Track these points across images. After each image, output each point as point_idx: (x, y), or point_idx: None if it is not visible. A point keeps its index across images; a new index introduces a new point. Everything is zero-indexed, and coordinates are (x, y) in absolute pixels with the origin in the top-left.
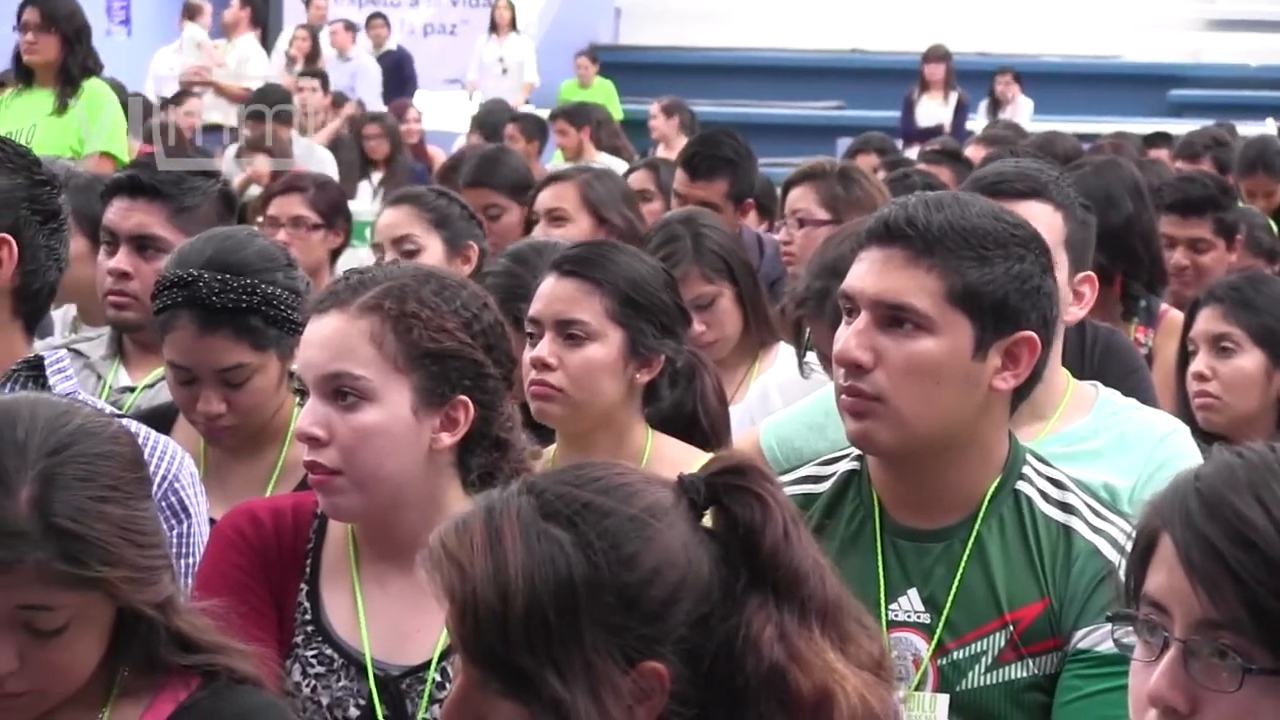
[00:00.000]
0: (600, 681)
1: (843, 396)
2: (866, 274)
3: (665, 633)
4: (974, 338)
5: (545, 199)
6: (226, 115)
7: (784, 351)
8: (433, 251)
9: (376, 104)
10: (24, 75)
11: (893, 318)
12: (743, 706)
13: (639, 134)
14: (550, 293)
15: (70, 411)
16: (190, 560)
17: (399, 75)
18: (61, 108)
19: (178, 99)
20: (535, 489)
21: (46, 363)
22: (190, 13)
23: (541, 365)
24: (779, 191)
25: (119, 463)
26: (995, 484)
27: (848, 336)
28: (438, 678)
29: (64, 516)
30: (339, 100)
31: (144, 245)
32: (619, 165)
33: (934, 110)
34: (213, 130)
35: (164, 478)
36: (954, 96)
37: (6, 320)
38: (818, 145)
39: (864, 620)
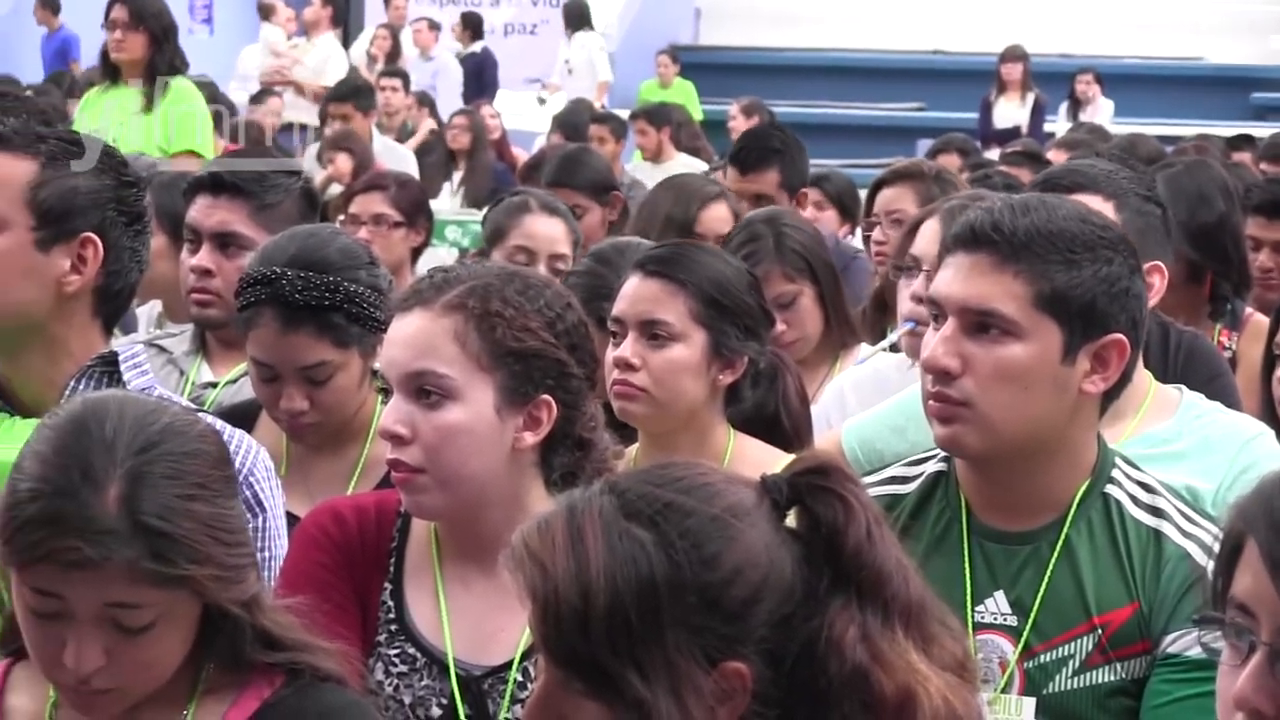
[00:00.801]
0: (682, 681)
1: (930, 402)
2: (953, 280)
3: (747, 633)
4: (1063, 342)
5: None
6: (307, 114)
7: (865, 352)
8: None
9: (457, 104)
10: (111, 73)
11: (980, 323)
12: (825, 708)
13: (718, 134)
14: (634, 293)
15: (158, 410)
16: (266, 555)
17: (479, 79)
18: (148, 105)
19: (259, 98)
20: (617, 488)
21: (121, 358)
22: (265, 12)
23: (625, 365)
24: (861, 192)
25: (206, 461)
26: (1084, 487)
27: (935, 343)
28: (519, 678)
29: (152, 515)
30: (425, 100)
31: (226, 243)
32: (698, 166)
33: (1011, 111)
34: (294, 129)
35: (239, 472)
36: (1031, 97)
37: (87, 319)
38: (897, 146)
39: (948, 621)
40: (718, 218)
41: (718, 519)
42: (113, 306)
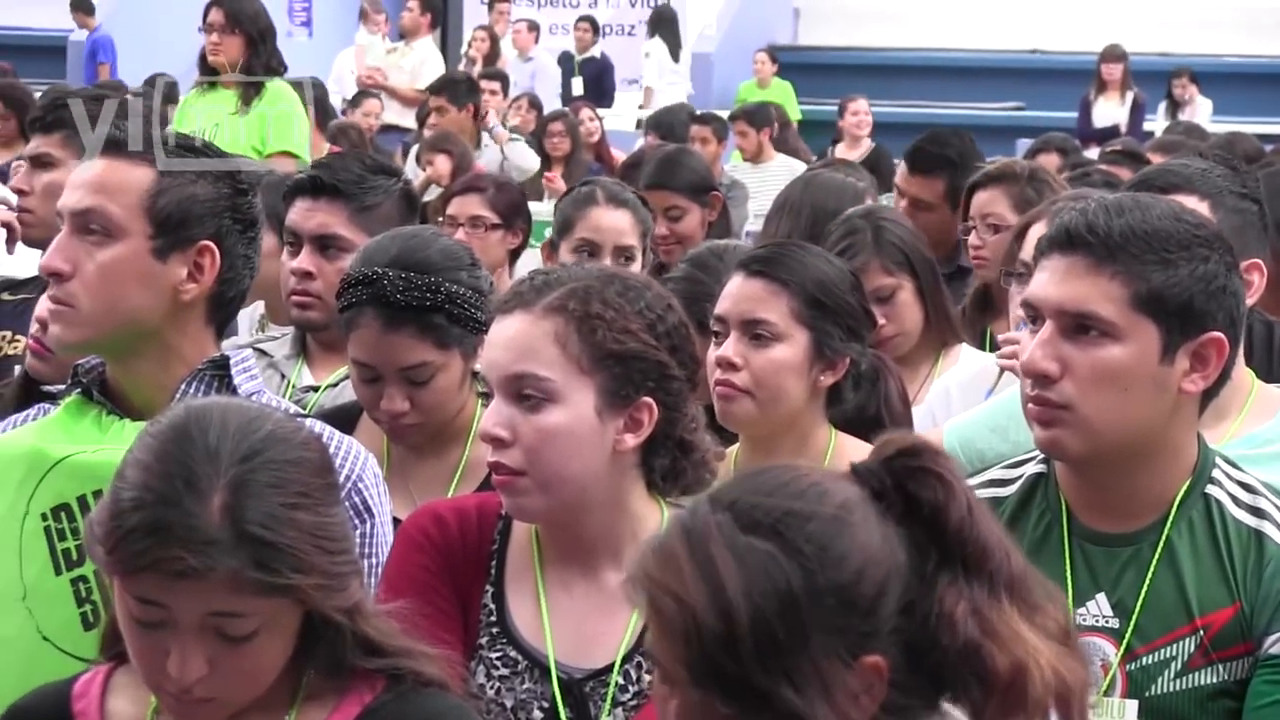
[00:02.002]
0: (832, 684)
1: (1030, 405)
2: (1049, 283)
3: (880, 625)
4: (1161, 342)
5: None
6: (404, 116)
7: (965, 352)
8: (638, 262)
9: (554, 105)
10: (209, 75)
11: (1078, 326)
12: (939, 683)
13: (816, 134)
14: (737, 292)
15: (261, 417)
16: (373, 560)
17: (598, 86)
18: (245, 107)
19: (356, 100)
20: (726, 504)
21: (232, 363)
22: (362, 15)
23: (727, 365)
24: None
25: (309, 469)
26: (1185, 487)
27: (1033, 346)
28: (620, 680)
29: (256, 524)
30: (535, 103)
31: (326, 245)
32: (797, 167)
33: (1110, 111)
34: (392, 130)
35: (348, 477)
36: (1130, 96)
37: (200, 325)
38: (997, 145)
39: (1049, 589)
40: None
41: (836, 518)
42: (225, 313)
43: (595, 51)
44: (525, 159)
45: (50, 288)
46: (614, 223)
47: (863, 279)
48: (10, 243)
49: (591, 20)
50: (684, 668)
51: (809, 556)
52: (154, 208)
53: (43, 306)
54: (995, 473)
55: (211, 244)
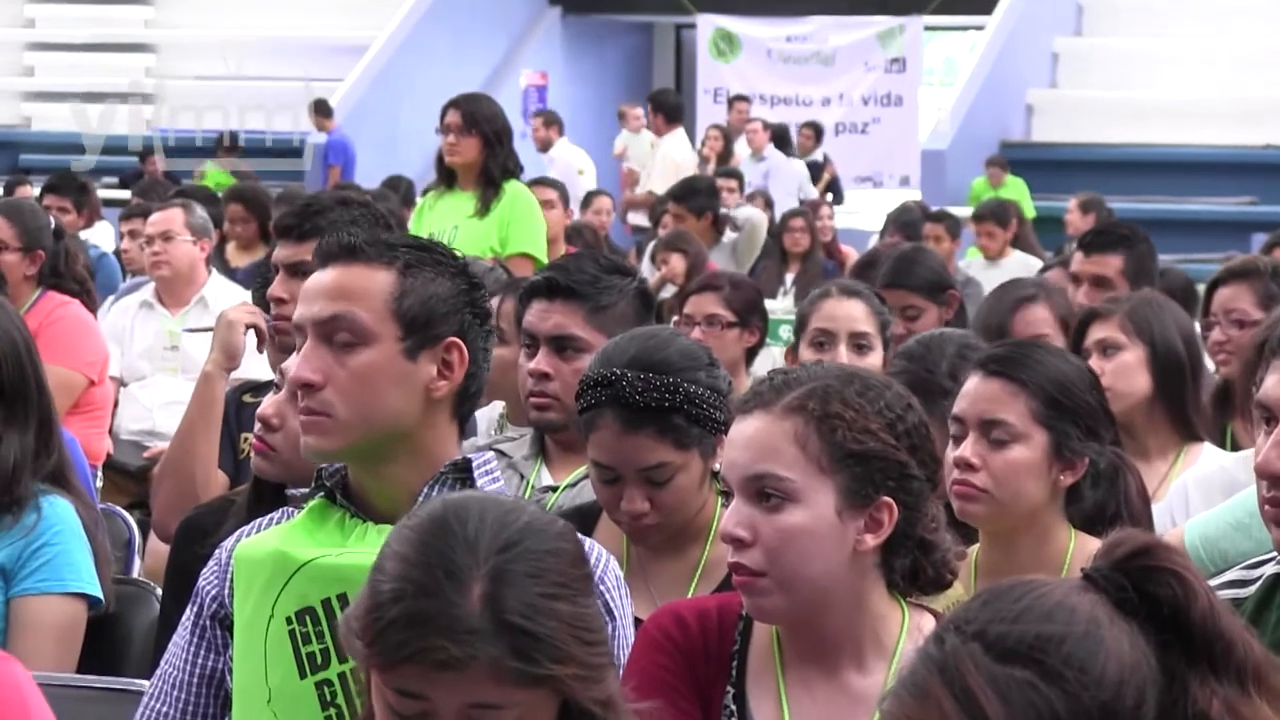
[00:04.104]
0: None
1: (1266, 507)
2: None
3: None
4: None
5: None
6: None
7: (1207, 450)
8: (877, 354)
9: (788, 204)
10: (447, 177)
11: None
12: None
13: (1050, 231)
14: (975, 392)
15: (517, 509)
16: (615, 661)
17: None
18: (483, 210)
19: (588, 200)
20: (972, 633)
21: (474, 465)
22: (621, 116)
23: (965, 465)
24: (1199, 288)
25: (566, 559)
26: None
27: (1268, 448)
28: None
29: (516, 613)
30: (769, 202)
31: (563, 346)
32: (1033, 264)
33: None
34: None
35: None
36: None
37: (446, 422)
38: (1231, 241)
39: None
40: (1034, 319)
41: (1088, 634)
42: (469, 407)
43: (818, 155)
44: (751, 212)
45: (301, 398)
46: (847, 310)
47: (1097, 325)
48: (260, 345)
49: (815, 125)
50: None
51: (1069, 679)
52: (400, 310)
53: (266, 407)
54: (1234, 573)
55: (458, 340)
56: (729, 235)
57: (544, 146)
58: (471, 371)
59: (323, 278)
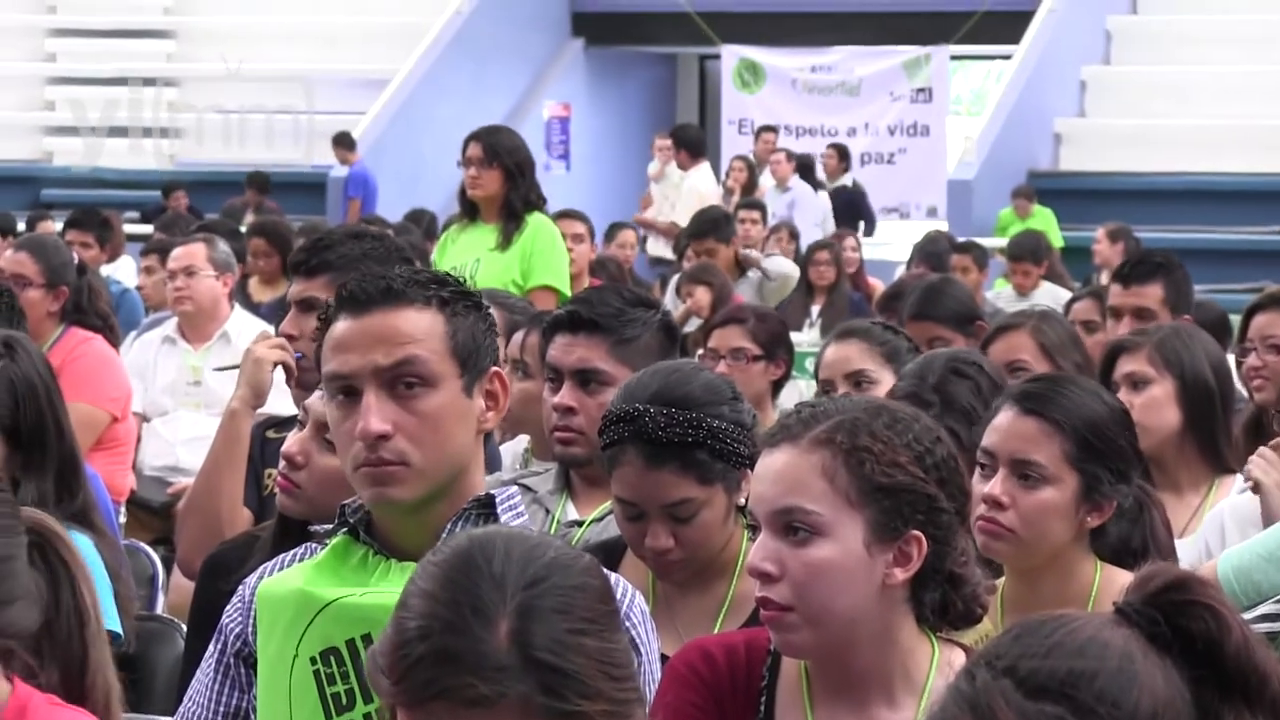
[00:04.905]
0: None
1: None
2: None
3: None
4: None
5: (1000, 353)
6: (663, 247)
7: (1240, 482)
8: (885, 386)
9: (812, 235)
10: (468, 210)
11: None
12: None
13: (1078, 261)
14: (1008, 428)
15: (543, 545)
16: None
17: (851, 215)
18: (505, 243)
19: (611, 232)
20: (1003, 668)
21: (498, 500)
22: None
23: (993, 503)
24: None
25: (593, 594)
26: None
27: None
28: None
29: (544, 650)
30: (794, 234)
31: (587, 380)
32: (1061, 295)
33: None
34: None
35: None
36: None
37: (481, 453)
38: (1263, 270)
39: None
40: (1013, 346)
41: (1121, 670)
42: (492, 445)
43: (846, 180)
44: (784, 265)
45: (370, 450)
46: (840, 355)
47: (1125, 358)
48: (289, 381)
49: (839, 148)
50: None
51: (1102, 716)
52: (456, 347)
53: (290, 444)
54: (1268, 606)
55: (499, 370)
56: (754, 273)
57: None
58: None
59: (370, 324)
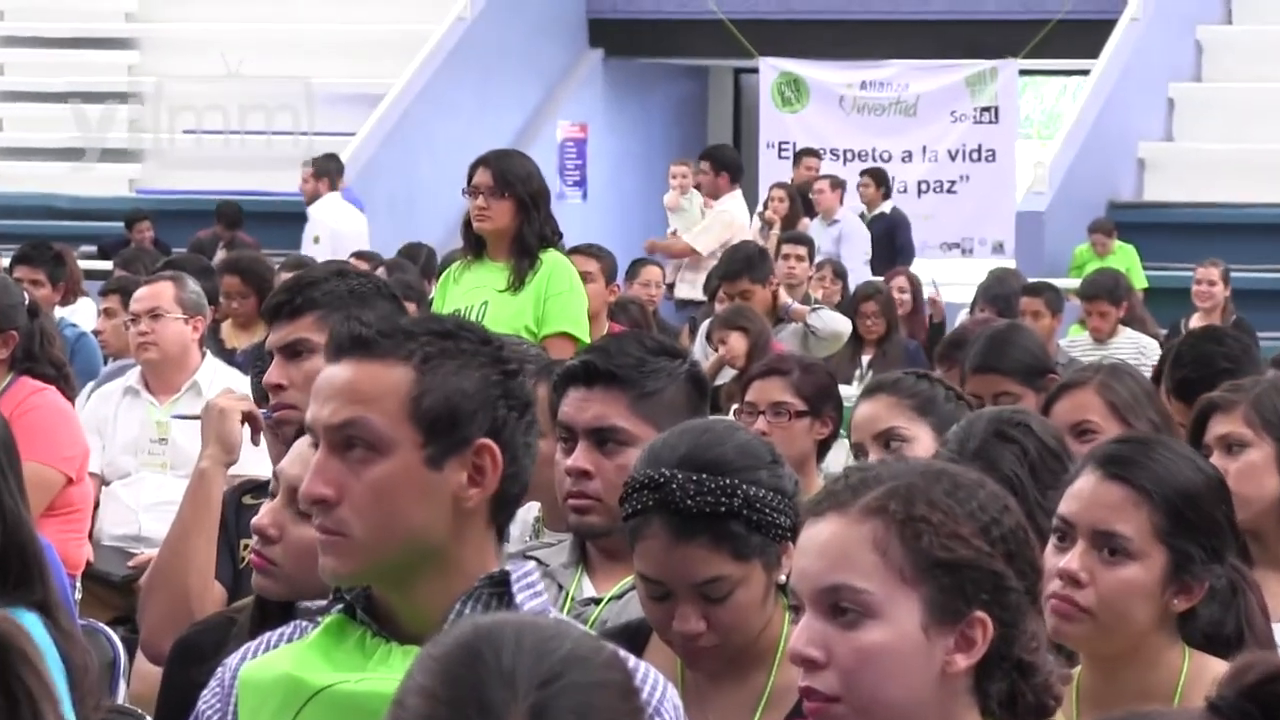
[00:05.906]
0: None
1: None
2: None
3: None
4: None
5: (1064, 413)
6: (694, 288)
7: None
8: (923, 443)
9: (863, 272)
10: (475, 245)
11: None
12: None
13: (1167, 304)
14: (1091, 495)
15: (559, 635)
16: None
17: (890, 243)
18: (517, 283)
19: (634, 269)
20: None
21: (513, 578)
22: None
23: (1070, 579)
24: None
25: (614, 693)
26: None
27: None
28: None
29: None
30: (839, 272)
31: (604, 439)
32: (1145, 344)
33: None
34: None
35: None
36: None
37: (482, 531)
38: None
39: None
40: (1078, 405)
41: None
42: (508, 513)
43: (885, 207)
44: (835, 322)
45: (315, 516)
46: (864, 415)
47: (1218, 419)
48: (255, 436)
49: (876, 173)
50: None
51: None
52: (419, 411)
53: (262, 516)
54: None
55: (489, 441)
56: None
57: (310, 200)
58: (510, 473)
59: (334, 375)
